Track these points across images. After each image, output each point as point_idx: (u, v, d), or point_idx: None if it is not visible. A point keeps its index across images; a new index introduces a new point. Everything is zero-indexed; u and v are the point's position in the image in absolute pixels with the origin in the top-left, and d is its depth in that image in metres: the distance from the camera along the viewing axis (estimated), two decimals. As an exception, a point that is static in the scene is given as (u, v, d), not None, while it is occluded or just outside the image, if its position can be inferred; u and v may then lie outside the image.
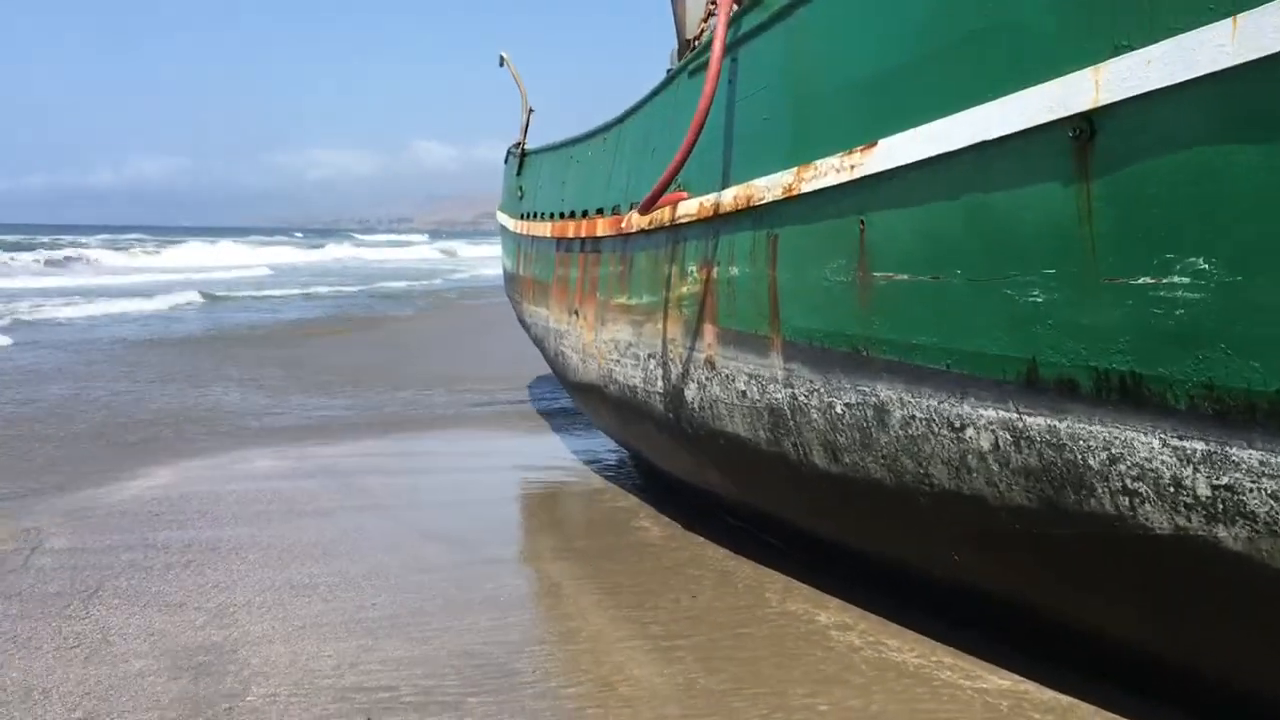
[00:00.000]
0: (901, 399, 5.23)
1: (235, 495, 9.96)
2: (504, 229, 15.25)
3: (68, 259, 62.12)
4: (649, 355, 8.03)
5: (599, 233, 9.23)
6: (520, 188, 13.43)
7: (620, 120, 9.24)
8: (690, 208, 7.12)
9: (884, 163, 5.12)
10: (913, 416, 5.19)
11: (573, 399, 11.66)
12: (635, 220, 8.22)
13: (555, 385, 17.79)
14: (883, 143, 5.13)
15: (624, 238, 8.59)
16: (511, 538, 8.69)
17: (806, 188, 5.72)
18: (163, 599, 6.93)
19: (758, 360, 6.37)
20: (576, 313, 9.96)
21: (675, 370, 7.51)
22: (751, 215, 6.34)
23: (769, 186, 6.08)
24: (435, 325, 29.62)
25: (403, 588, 7.07)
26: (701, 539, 8.04)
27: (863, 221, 5.34)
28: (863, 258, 5.36)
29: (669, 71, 8.31)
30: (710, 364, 6.95)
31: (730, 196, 6.56)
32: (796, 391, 6.03)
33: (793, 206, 5.91)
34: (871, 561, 6.28)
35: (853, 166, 5.34)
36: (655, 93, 8.38)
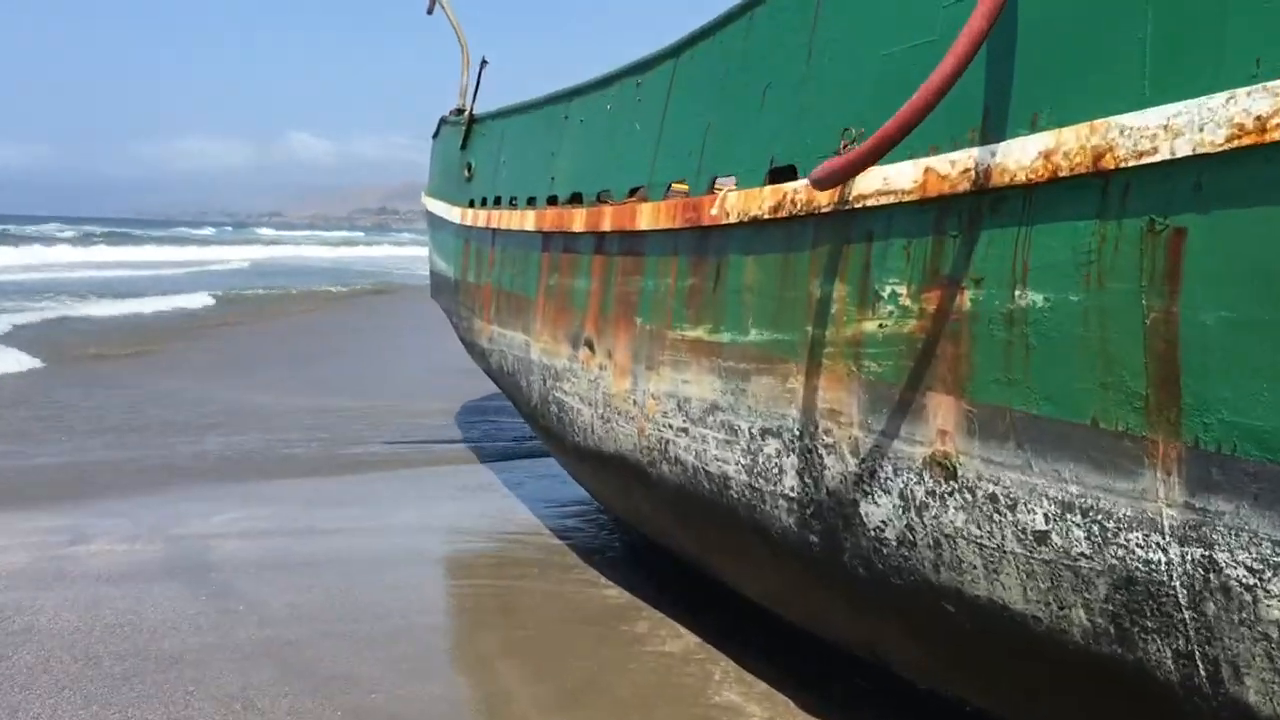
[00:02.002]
0: None
1: (47, 619, 6.39)
2: (435, 219, 11.79)
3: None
4: (763, 430, 4.78)
5: (642, 225, 5.94)
6: (469, 165, 10.02)
7: (675, 53, 5.97)
8: (895, 178, 3.90)
9: None
10: None
11: (569, 469, 8.30)
12: (737, 204, 4.97)
13: (491, 411, 14.39)
14: None
15: (703, 232, 5.33)
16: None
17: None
18: None
19: (1099, 479, 3.19)
20: (590, 345, 6.64)
21: (838, 465, 4.28)
22: (1093, 189, 3.16)
23: (1177, 124, 2.91)
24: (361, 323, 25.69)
25: None
26: (846, 738, 4.83)
27: None
28: None
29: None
30: (943, 468, 3.74)
31: (1025, 155, 3.36)
32: (1223, 557, 2.87)
33: (1255, 164, 2.75)
34: None
35: None
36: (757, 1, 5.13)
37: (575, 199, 7.20)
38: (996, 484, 3.54)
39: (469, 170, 10.04)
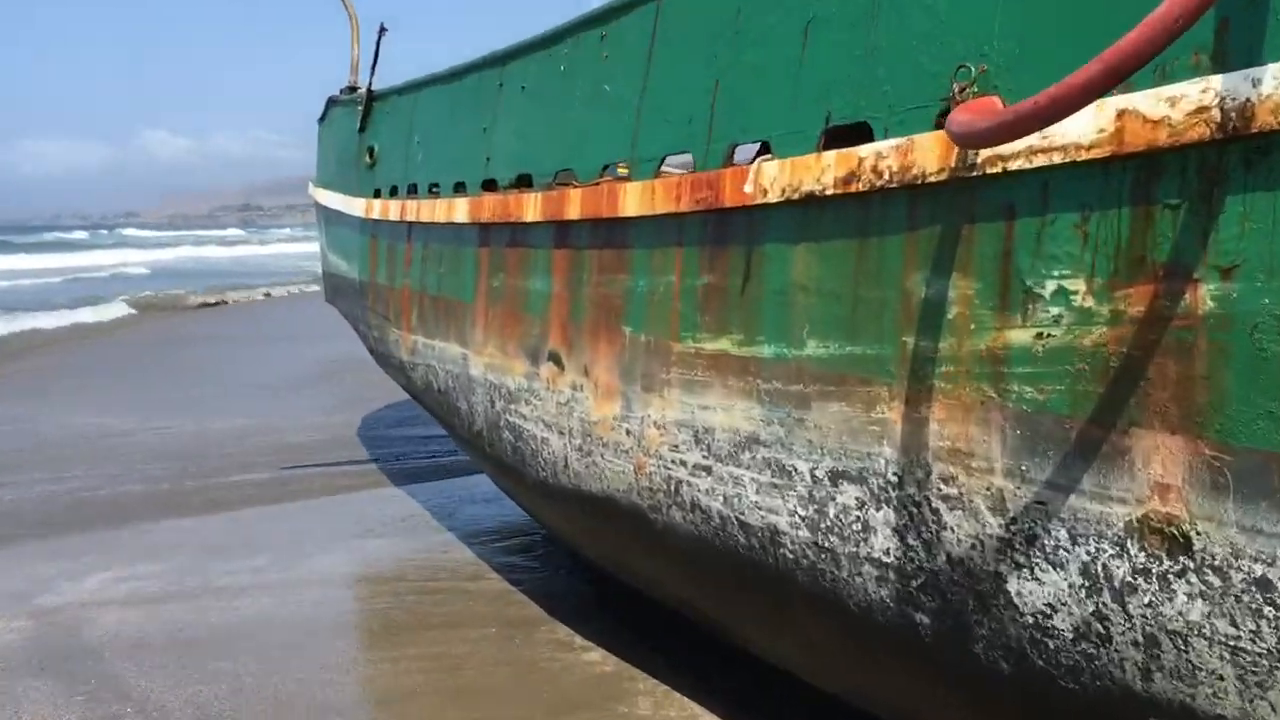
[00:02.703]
0: None
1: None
2: (329, 214, 10.35)
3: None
4: (835, 474, 3.63)
5: (629, 210, 4.73)
6: (371, 149, 8.64)
7: (657, -9, 4.75)
8: (1061, 129, 2.76)
9: None
10: None
11: (529, 508, 6.99)
12: (781, 178, 3.79)
13: (401, 423, 12.99)
14: None
15: (724, 216, 4.14)
16: None
17: None
18: None
19: None
20: (556, 359, 5.40)
21: (967, 525, 3.15)
22: None
23: None
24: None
25: None
26: None
27: None
28: None
29: None
30: (1165, 538, 2.64)
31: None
32: None
33: None
34: None
35: None
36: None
37: (523, 182, 5.94)
38: (1271, 564, 2.44)
39: (371, 155, 8.66)
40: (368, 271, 8.80)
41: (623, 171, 5.09)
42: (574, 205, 5.17)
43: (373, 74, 8.87)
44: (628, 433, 4.80)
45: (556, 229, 5.41)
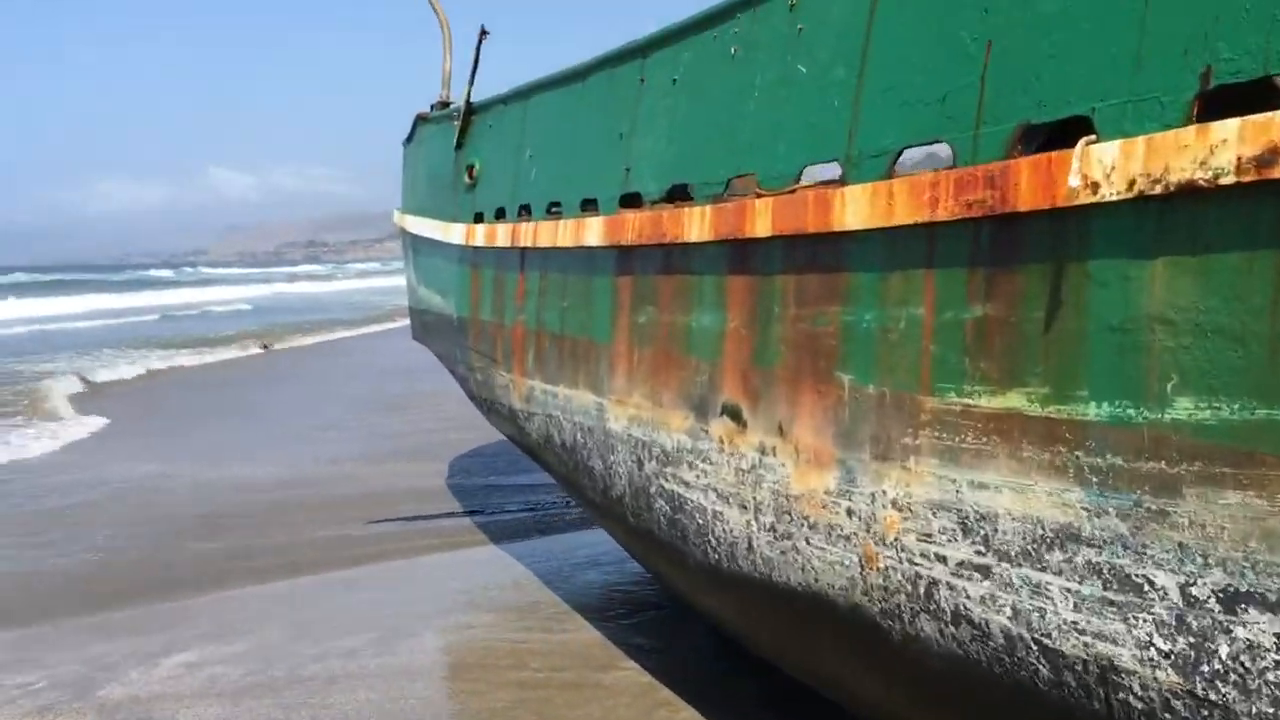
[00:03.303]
0: None
1: None
2: (419, 242, 9.37)
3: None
4: (1228, 595, 2.48)
5: (851, 222, 3.61)
6: (471, 168, 7.63)
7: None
8: None
9: None
10: None
11: (688, 595, 5.75)
12: (1127, 165, 2.65)
13: (495, 470, 11.95)
14: None
15: (1010, 223, 3.01)
16: None
17: None
18: None
19: None
20: (733, 414, 4.29)
21: None
22: None
23: None
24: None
25: None
26: None
27: None
28: None
29: None
30: None
31: None
32: None
33: None
34: None
35: None
36: None
37: (676, 195, 4.86)
38: None
39: (471, 174, 7.65)
40: (468, 306, 7.77)
41: (801, 181, 4.00)
42: (761, 219, 4.07)
43: (471, 83, 7.88)
44: (849, 513, 3.66)
45: (732, 250, 4.31)
